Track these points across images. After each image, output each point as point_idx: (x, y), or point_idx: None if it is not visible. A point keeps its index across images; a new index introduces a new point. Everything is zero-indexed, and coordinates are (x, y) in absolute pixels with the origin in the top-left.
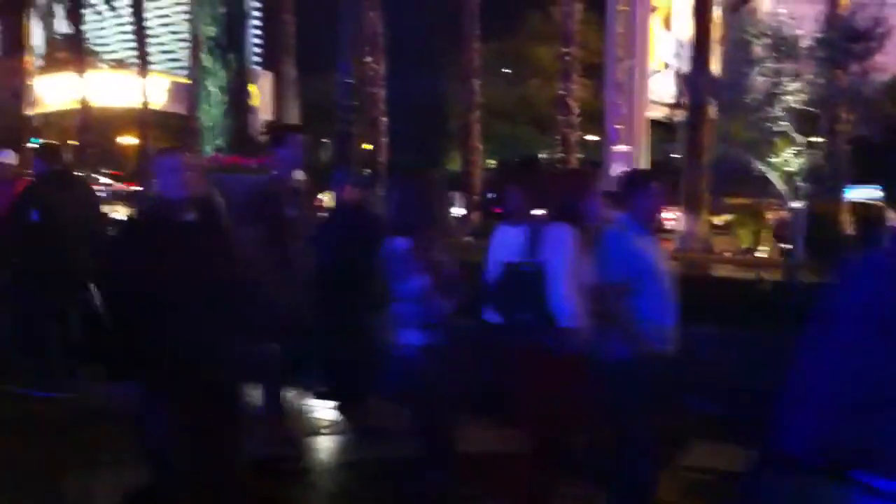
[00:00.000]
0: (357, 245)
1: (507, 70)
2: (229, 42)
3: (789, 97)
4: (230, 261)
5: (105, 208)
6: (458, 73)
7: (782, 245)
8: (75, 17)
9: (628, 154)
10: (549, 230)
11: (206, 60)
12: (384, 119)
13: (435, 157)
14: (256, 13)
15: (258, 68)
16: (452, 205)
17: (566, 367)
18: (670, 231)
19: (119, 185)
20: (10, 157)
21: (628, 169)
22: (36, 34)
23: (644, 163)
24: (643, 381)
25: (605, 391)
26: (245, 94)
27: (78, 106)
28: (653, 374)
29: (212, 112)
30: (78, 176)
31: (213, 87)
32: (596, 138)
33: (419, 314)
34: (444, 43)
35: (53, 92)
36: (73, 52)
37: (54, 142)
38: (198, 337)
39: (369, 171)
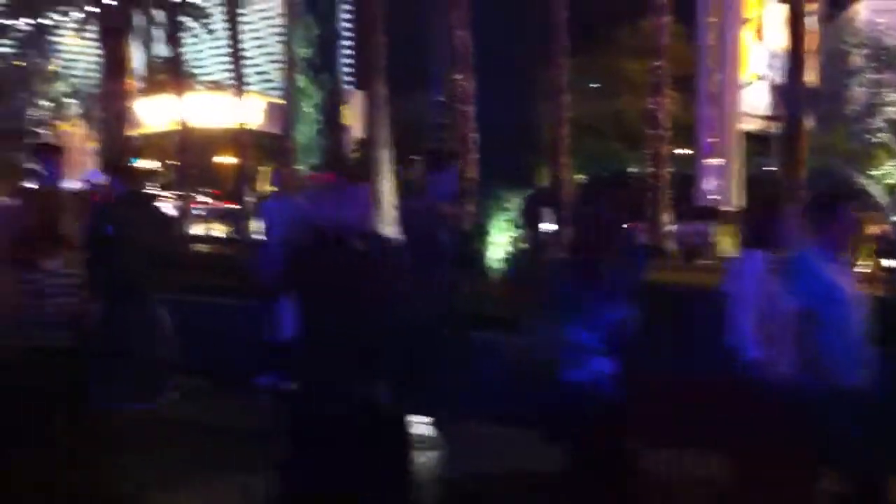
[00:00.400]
0: (448, 262)
1: (595, 85)
2: (322, 62)
3: (890, 108)
4: (392, 290)
5: (203, 226)
6: (547, 88)
7: (883, 260)
8: (174, 40)
9: (721, 167)
10: (741, 258)
11: (300, 81)
12: (473, 136)
13: (524, 172)
14: (348, 34)
15: (350, 87)
16: (542, 220)
17: (751, 399)
18: None
19: (217, 204)
20: (100, 178)
21: (721, 182)
22: (136, 58)
23: (737, 176)
24: (827, 414)
25: (790, 424)
26: (338, 114)
27: (177, 127)
28: (838, 407)
29: (306, 131)
30: (150, 196)
31: (307, 107)
32: (688, 152)
33: (615, 340)
34: (533, 59)
35: (153, 113)
36: (171, 74)
37: (130, 163)
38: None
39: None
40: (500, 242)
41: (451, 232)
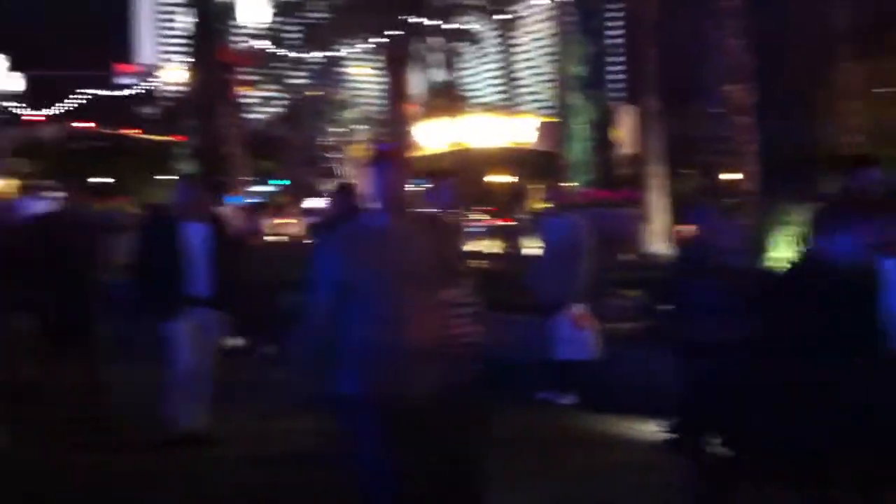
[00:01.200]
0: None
1: (886, 90)
2: (594, 79)
3: None
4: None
5: (480, 243)
6: (830, 96)
7: None
8: (451, 66)
9: None
10: None
11: (572, 98)
12: (752, 147)
13: (806, 184)
14: (618, 49)
15: (621, 103)
16: None
17: None
18: None
19: (492, 221)
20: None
21: None
22: (416, 84)
23: None
24: None
25: None
26: (609, 130)
27: (454, 148)
28: None
29: (577, 148)
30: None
31: (579, 124)
32: None
33: None
34: (815, 65)
35: (433, 136)
36: (448, 98)
37: (350, 182)
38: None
39: (735, 201)
40: (782, 258)
41: None
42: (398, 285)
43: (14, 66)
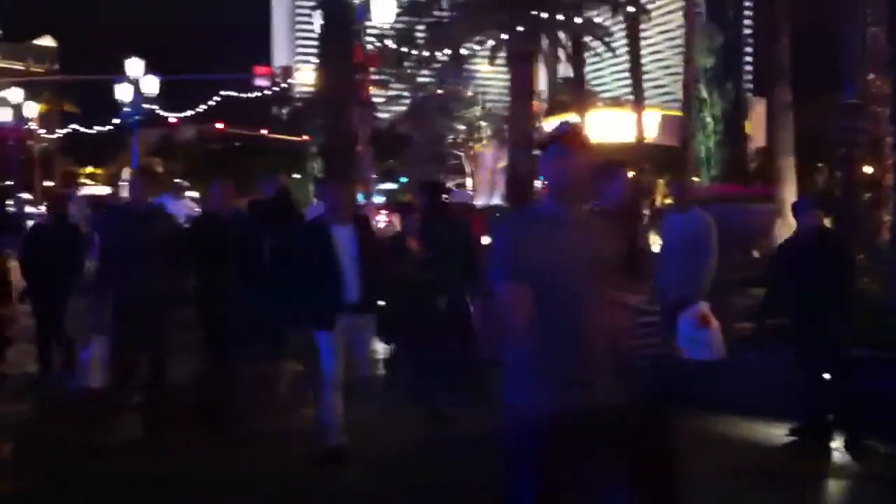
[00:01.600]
0: (818, 275)
1: None
2: (724, 71)
3: None
4: None
5: None
6: None
7: None
8: (577, 61)
9: None
10: None
11: (700, 91)
12: (889, 139)
13: None
14: (748, 40)
15: (750, 95)
16: None
17: None
18: None
19: None
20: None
21: None
22: (541, 79)
23: None
24: None
25: None
26: (740, 123)
27: None
28: None
29: (704, 142)
30: (456, 208)
31: (706, 117)
32: None
33: None
34: None
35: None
36: (574, 94)
37: (436, 181)
38: None
39: (871, 194)
40: None
41: None
42: (578, 283)
43: (150, 70)
